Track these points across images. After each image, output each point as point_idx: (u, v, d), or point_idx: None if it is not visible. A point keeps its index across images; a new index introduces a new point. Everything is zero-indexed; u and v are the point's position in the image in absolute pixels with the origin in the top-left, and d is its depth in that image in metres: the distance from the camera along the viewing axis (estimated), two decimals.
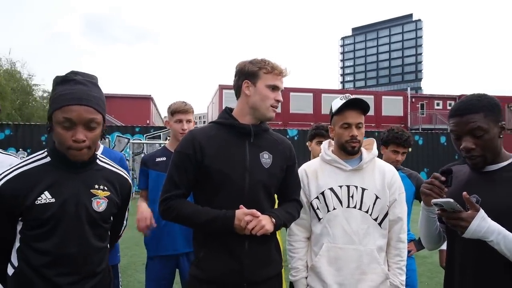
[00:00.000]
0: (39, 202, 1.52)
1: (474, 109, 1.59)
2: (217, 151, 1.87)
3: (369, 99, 32.31)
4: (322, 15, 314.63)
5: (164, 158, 2.81)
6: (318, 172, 2.20)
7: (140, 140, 15.70)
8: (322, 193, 2.14)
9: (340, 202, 2.10)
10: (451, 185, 1.66)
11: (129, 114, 29.67)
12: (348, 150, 2.13)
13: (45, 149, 1.67)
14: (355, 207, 2.09)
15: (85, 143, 1.56)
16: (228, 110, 2.01)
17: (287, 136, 16.07)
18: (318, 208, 2.14)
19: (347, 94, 2.15)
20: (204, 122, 53.68)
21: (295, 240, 2.21)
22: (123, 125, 19.07)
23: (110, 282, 1.79)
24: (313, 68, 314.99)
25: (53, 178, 1.58)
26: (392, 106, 33.20)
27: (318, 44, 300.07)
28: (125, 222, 1.91)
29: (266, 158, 1.93)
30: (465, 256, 1.63)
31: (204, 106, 49.43)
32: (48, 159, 1.62)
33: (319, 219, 2.14)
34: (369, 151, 2.23)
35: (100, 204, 1.65)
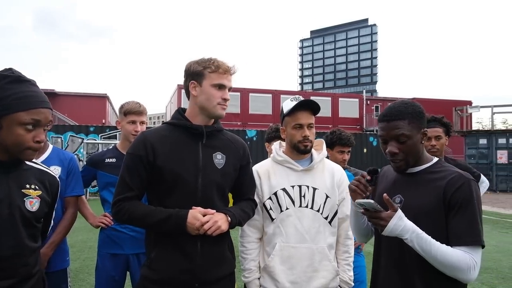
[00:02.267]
0: None
1: (400, 115, 1.70)
2: (169, 151, 1.86)
3: (327, 101, 33.07)
4: (282, 18, 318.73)
5: (114, 160, 2.75)
6: (270, 173, 2.23)
7: (95, 140, 15.20)
8: (275, 194, 2.17)
9: (293, 202, 2.15)
10: (375, 184, 1.83)
11: (83, 113, 28.57)
12: (301, 150, 2.17)
13: None
14: (307, 206, 2.15)
15: (42, 144, 1.59)
16: (181, 111, 2.01)
17: (246, 137, 16.15)
18: (271, 209, 2.17)
19: (297, 96, 2.22)
20: (163, 122, 52.70)
21: (247, 241, 2.22)
22: (77, 124, 18.39)
23: (45, 285, 1.76)
24: (273, 70, 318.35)
25: None
26: (349, 108, 34.14)
27: (278, 46, 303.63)
28: (52, 221, 1.87)
29: (219, 158, 1.95)
30: (389, 250, 1.77)
31: (162, 106, 48.54)
32: None
33: (272, 219, 2.16)
34: (319, 151, 2.30)
35: (33, 203, 1.62)
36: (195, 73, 1.92)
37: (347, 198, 2.22)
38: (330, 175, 2.24)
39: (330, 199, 2.17)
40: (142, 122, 2.84)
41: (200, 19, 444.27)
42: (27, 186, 1.62)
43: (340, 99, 34.84)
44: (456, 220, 1.59)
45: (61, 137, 15.05)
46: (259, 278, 2.19)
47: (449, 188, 1.61)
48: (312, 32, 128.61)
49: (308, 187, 2.17)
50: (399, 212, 1.61)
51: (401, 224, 1.58)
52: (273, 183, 2.19)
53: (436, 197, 1.63)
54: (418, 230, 1.58)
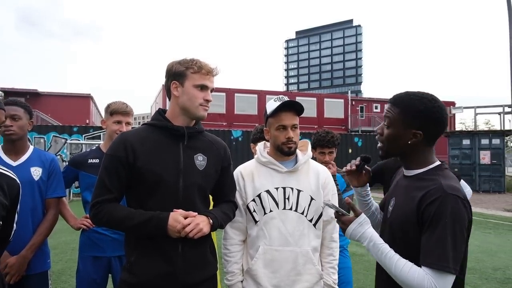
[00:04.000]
0: None
1: (396, 102, 1.65)
2: (150, 153, 1.83)
3: (312, 101, 33.29)
4: (267, 18, 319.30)
5: (97, 160, 2.70)
6: (254, 174, 2.20)
7: (79, 140, 14.98)
8: (259, 196, 2.13)
9: (277, 204, 2.12)
10: (360, 170, 1.90)
11: (66, 113, 28.13)
12: (285, 152, 2.14)
13: None
14: (291, 208, 2.11)
15: None
16: (162, 112, 1.98)
17: (231, 137, 16.12)
18: (254, 211, 2.14)
19: (281, 96, 2.18)
20: (143, 123, 52.25)
21: (230, 244, 2.19)
22: (60, 124, 18.10)
23: (3, 286, 1.72)
24: (258, 70, 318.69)
25: None
26: (334, 108, 34.42)
27: (263, 46, 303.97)
28: (15, 225, 1.81)
29: (200, 160, 1.93)
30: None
31: (147, 106, 48.14)
32: None
33: (256, 221, 2.13)
34: (304, 152, 2.27)
35: None
36: (177, 74, 1.90)
37: (333, 200, 2.22)
38: (315, 177, 2.21)
39: (314, 201, 2.15)
40: (127, 123, 2.79)
41: (186, 18, 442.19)
42: None
43: (325, 99, 35.09)
44: (425, 237, 1.45)
45: (44, 138, 14.79)
46: (242, 281, 2.17)
47: (423, 200, 1.48)
48: (297, 32, 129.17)
49: (292, 189, 2.14)
50: (361, 218, 1.60)
51: (360, 230, 1.58)
52: (257, 185, 2.16)
53: (412, 208, 1.52)
54: (377, 240, 1.55)
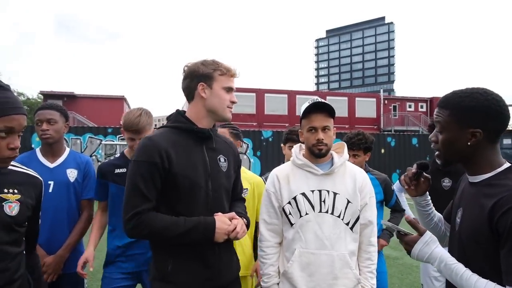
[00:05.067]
0: None
1: (444, 104, 1.53)
2: (181, 157, 1.80)
3: (343, 100, 32.81)
4: (297, 17, 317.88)
5: (125, 170, 2.50)
6: (289, 177, 2.18)
7: (113, 141, 15.38)
8: (294, 198, 2.11)
9: (312, 207, 2.09)
10: (418, 180, 1.75)
11: (101, 115, 29.01)
12: (316, 153, 2.11)
13: None
14: (327, 212, 2.08)
15: (17, 150, 1.57)
16: (183, 113, 1.95)
17: (262, 138, 16.11)
18: (290, 213, 2.12)
19: (315, 97, 2.16)
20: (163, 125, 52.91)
21: (266, 246, 2.18)
22: (96, 126, 18.66)
23: None
24: (288, 70, 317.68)
25: None
26: (366, 107, 33.78)
27: (294, 46, 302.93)
28: (39, 221, 1.85)
29: (222, 161, 1.95)
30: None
31: (179, 106, 48.93)
32: None
33: (291, 224, 2.12)
34: (340, 154, 2.22)
35: (12, 208, 1.59)
36: (205, 75, 1.87)
37: (370, 204, 2.17)
38: (351, 180, 2.16)
39: (351, 205, 2.10)
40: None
41: (216, 19, 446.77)
42: (5, 190, 1.59)
43: (356, 98, 34.51)
44: (504, 253, 1.29)
45: (80, 139, 15.28)
46: (278, 284, 2.15)
47: (496, 210, 1.32)
48: (328, 31, 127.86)
49: (328, 191, 2.10)
50: (426, 236, 1.49)
51: (427, 250, 1.48)
52: (293, 188, 2.13)
53: (483, 219, 1.35)
54: (448, 259, 1.43)
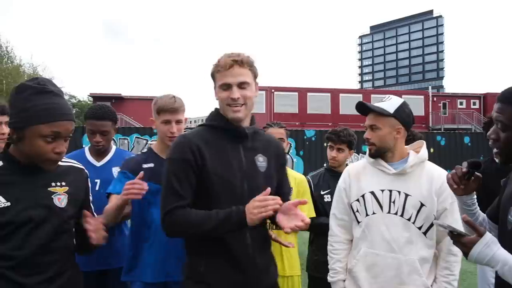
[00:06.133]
0: None
1: (506, 99, 1.45)
2: (215, 156, 1.76)
3: None
4: (340, 14, 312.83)
5: (152, 165, 2.31)
6: (360, 174, 2.14)
7: None
8: (363, 196, 2.07)
9: (381, 206, 2.01)
10: (469, 179, 1.60)
11: (148, 115, 29.95)
12: (369, 154, 2.12)
13: None
14: (396, 213, 1.99)
15: (63, 154, 1.61)
16: (219, 111, 1.87)
17: (304, 137, 15.95)
18: (357, 211, 2.08)
19: (388, 95, 2.16)
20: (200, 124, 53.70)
21: (335, 241, 2.17)
22: (142, 126, 19.26)
23: (80, 280, 1.78)
24: (331, 68, 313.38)
25: (8, 182, 1.57)
26: (413, 105, 31.13)
27: (336, 43, 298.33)
28: (95, 215, 1.87)
29: (261, 161, 1.85)
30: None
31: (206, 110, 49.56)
32: (0, 163, 1.60)
33: (358, 222, 2.08)
34: (417, 153, 2.10)
35: (61, 200, 1.65)
36: (212, 77, 1.83)
37: (451, 209, 1.99)
38: (428, 181, 2.02)
39: (425, 208, 1.97)
40: (178, 121, 2.32)
41: (257, 17, 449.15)
42: (53, 184, 1.65)
43: (403, 96, 33.27)
44: None
45: (127, 139, 15.81)
46: (344, 280, 2.12)
47: None
48: (372, 27, 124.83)
49: (399, 192, 2.00)
50: (486, 237, 1.38)
51: (488, 252, 1.36)
52: (362, 185, 2.09)
53: None
54: None
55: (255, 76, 1.83)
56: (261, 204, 1.62)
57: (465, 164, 1.63)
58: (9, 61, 30.52)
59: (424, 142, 2.18)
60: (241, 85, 1.75)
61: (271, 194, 1.84)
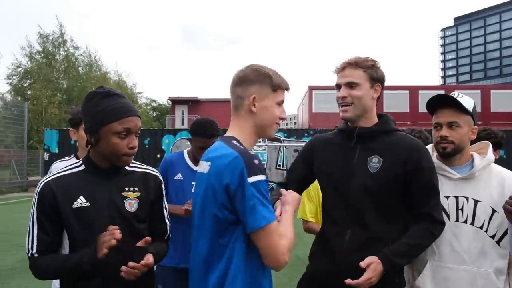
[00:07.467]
0: (75, 206, 1.65)
1: None
2: (325, 153, 1.96)
3: (475, 94, 29.54)
4: (419, 7, 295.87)
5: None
6: None
7: None
8: None
9: (448, 215, 1.85)
10: None
11: (222, 117, 30.84)
12: (439, 153, 1.92)
13: (80, 159, 1.82)
14: (465, 221, 1.84)
15: (136, 149, 1.72)
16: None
17: None
18: None
19: (456, 92, 1.93)
20: (295, 123, 53.65)
21: None
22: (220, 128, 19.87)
23: (153, 281, 1.84)
24: (409, 64, 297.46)
25: (88, 184, 1.70)
26: (504, 101, 29.87)
27: (414, 38, 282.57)
28: (167, 221, 1.93)
29: (374, 162, 1.82)
30: None
31: (294, 108, 49.53)
32: (82, 167, 1.75)
33: None
34: (483, 156, 1.93)
35: (132, 204, 1.74)
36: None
37: None
38: (499, 185, 1.85)
39: (498, 214, 1.79)
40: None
41: (330, 17, 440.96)
42: (126, 189, 1.75)
43: (492, 91, 30.74)
44: None
45: None
46: None
47: None
48: (456, 19, 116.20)
49: (467, 198, 1.85)
50: None
51: None
52: None
53: None
54: None
55: (371, 78, 1.87)
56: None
57: None
58: (97, 69, 33.18)
59: (489, 143, 2.02)
60: (349, 85, 1.85)
61: (383, 198, 1.79)
